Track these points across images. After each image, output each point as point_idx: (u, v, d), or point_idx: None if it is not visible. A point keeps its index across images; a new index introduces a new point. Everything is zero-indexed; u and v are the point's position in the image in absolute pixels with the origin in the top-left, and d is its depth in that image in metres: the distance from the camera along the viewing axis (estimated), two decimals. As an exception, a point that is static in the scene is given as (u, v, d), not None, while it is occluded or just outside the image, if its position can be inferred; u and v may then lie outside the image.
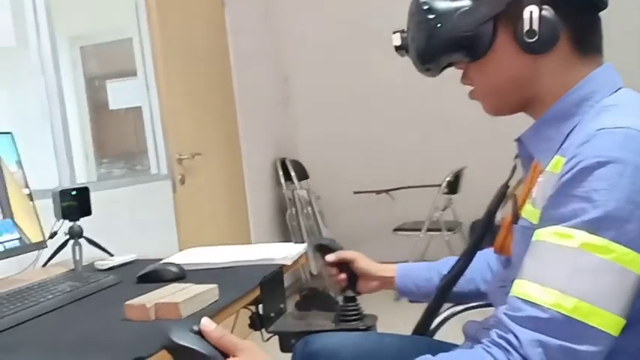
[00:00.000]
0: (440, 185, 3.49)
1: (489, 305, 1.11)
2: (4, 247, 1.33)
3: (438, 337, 1.17)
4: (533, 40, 0.76)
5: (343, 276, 1.21)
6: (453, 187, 3.52)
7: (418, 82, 3.80)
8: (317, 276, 3.75)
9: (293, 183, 3.77)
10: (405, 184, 3.75)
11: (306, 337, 1.12)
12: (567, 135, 0.77)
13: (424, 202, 3.59)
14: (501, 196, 0.99)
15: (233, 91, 3.26)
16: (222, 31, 3.20)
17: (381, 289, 1.23)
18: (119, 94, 3.05)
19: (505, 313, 0.70)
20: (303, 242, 3.52)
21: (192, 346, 0.66)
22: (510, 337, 0.67)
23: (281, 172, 3.76)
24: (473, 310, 1.18)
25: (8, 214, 1.37)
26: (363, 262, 1.21)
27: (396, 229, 3.68)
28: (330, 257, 1.20)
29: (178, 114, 2.65)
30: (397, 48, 0.88)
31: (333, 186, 4.12)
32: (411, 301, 1.22)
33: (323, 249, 1.23)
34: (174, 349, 0.66)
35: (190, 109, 2.78)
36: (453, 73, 0.91)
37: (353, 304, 1.19)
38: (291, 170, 3.77)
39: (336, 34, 4.14)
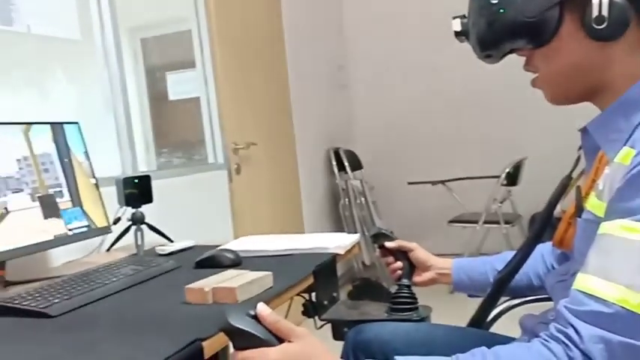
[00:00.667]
0: (499, 177, 3.39)
1: (546, 300, 1.08)
2: (73, 232, 1.41)
3: (492, 330, 1.15)
4: (602, 26, 0.73)
5: (399, 264, 1.22)
6: (513, 178, 3.40)
7: (477, 70, 3.72)
8: (369, 266, 3.75)
9: (346, 173, 3.77)
10: (461, 175, 3.67)
11: (359, 325, 1.12)
12: (637, 125, 0.73)
13: (482, 193, 3.50)
14: (563, 188, 0.96)
15: (288, 80, 3.29)
16: (279, 21, 3.22)
17: (435, 283, 1.22)
18: (178, 85, 3.13)
19: (566, 307, 0.68)
20: (356, 232, 3.53)
21: (249, 330, 0.67)
22: (570, 331, 0.65)
23: (334, 162, 3.76)
24: (529, 305, 1.15)
25: (77, 202, 1.45)
26: (420, 253, 1.21)
27: (451, 221, 3.61)
28: (391, 244, 1.21)
29: (235, 104, 2.70)
30: (457, 34, 0.86)
31: (387, 176, 4.09)
32: (469, 296, 1.20)
33: (381, 237, 1.24)
34: (232, 331, 0.68)
35: (246, 100, 2.83)
36: (514, 61, 0.88)
37: (407, 291, 1.18)
38: (345, 160, 3.76)
39: (394, 22, 4.09)
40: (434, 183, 3.70)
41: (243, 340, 0.68)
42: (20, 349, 0.86)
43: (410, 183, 3.80)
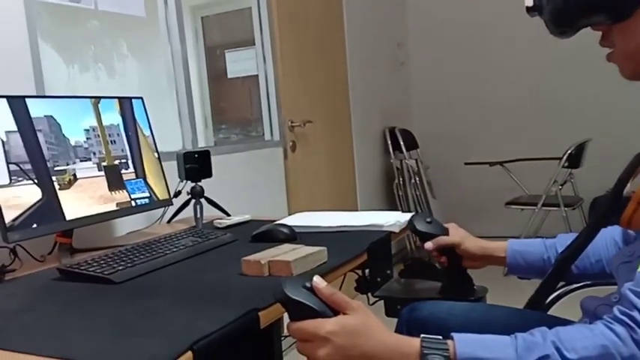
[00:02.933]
0: (560, 158, 3.27)
1: (608, 284, 1.04)
2: (136, 203, 1.47)
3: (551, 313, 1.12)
4: None
5: (444, 258, 1.16)
6: (575, 160, 3.27)
7: (539, 49, 3.57)
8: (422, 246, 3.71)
9: (402, 152, 3.73)
10: (520, 156, 3.56)
11: (414, 303, 1.12)
12: None
13: (541, 175, 3.39)
14: (633, 167, 0.91)
15: (346, 58, 3.27)
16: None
17: (487, 265, 1.19)
18: (237, 63, 3.18)
19: (631, 289, 0.66)
20: (409, 211, 3.49)
21: (305, 301, 0.69)
22: (635, 314, 0.63)
23: (389, 141, 3.73)
24: (588, 288, 1.11)
25: (141, 174, 1.51)
26: (469, 245, 1.14)
27: (508, 203, 3.51)
28: (429, 245, 1.14)
29: (292, 82, 2.71)
30: (529, 9, 0.82)
31: (443, 156, 4.02)
32: (520, 278, 1.17)
33: (419, 234, 1.15)
34: (288, 302, 0.69)
35: (303, 78, 2.83)
36: (578, 39, 0.83)
37: (461, 277, 1.16)
38: (400, 139, 3.72)
39: (455, 0, 3.97)
40: (492, 164, 3.60)
41: (299, 312, 0.69)
42: (86, 313, 0.91)
43: (467, 163, 3.72)
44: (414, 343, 0.69)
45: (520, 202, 3.50)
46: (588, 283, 1.09)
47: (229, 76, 3.18)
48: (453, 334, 0.69)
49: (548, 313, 1.11)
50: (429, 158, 3.98)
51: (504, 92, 3.91)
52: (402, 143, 3.70)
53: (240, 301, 0.90)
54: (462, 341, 0.68)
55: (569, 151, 3.25)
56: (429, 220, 1.16)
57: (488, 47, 3.92)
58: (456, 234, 1.16)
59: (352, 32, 3.30)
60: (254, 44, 2.67)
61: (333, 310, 0.70)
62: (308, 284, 0.71)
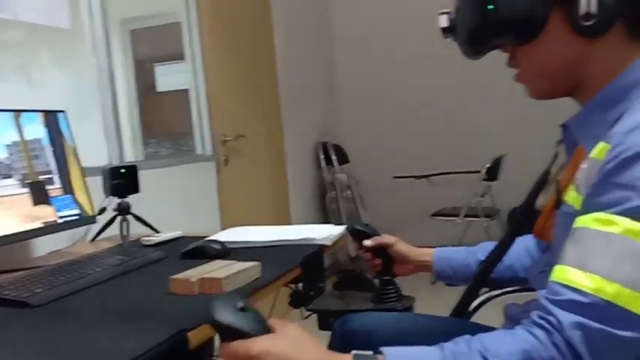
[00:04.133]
0: (479, 172, 3.45)
1: (528, 290, 1.10)
2: (64, 220, 1.40)
3: (474, 320, 1.17)
4: (590, 22, 0.74)
5: (378, 260, 1.21)
6: (493, 173, 3.47)
7: (460, 67, 3.74)
8: (355, 258, 3.76)
9: (333, 167, 3.78)
10: (444, 169, 3.72)
11: (345, 316, 1.13)
12: (614, 122, 0.75)
13: (463, 188, 3.55)
14: (543, 182, 0.98)
15: (277, 73, 3.28)
16: (269, 15, 3.21)
17: (416, 272, 1.24)
18: (167, 77, 3.12)
19: (545, 297, 0.69)
20: (342, 224, 3.54)
21: (235, 324, 0.66)
22: (551, 318, 0.67)
23: (322, 156, 3.77)
24: (509, 295, 1.17)
25: (69, 190, 1.44)
26: (401, 247, 1.21)
27: (434, 214, 3.65)
28: (368, 242, 1.20)
29: (224, 97, 2.69)
30: (444, 30, 0.86)
31: (373, 170, 4.11)
32: (447, 285, 1.22)
33: (358, 234, 1.23)
34: (218, 326, 0.67)
35: (235, 92, 2.82)
36: (495, 58, 0.89)
37: (391, 286, 1.20)
38: (332, 154, 3.78)
39: (383, 19, 4.09)
40: (418, 177, 3.74)
41: (230, 334, 0.67)
42: (0, 340, 0.85)
43: (395, 177, 3.84)
44: (345, 359, 0.70)
45: (444, 214, 3.65)
46: (510, 290, 1.15)
47: (159, 89, 3.12)
48: (383, 349, 0.70)
49: (473, 319, 1.16)
50: (360, 172, 4.06)
51: (429, 110, 4.07)
52: (333, 158, 3.76)
53: (169, 321, 0.86)
54: (391, 356, 0.69)
55: (487, 165, 3.43)
56: (366, 223, 1.25)
57: (414, 66, 4.06)
58: (390, 237, 1.21)
59: (283, 48, 3.32)
60: (184, 58, 2.63)
61: (268, 329, 0.70)
62: (240, 303, 0.68)
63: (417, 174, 3.75)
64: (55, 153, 1.42)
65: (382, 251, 1.21)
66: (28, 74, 1.67)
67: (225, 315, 0.66)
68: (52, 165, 1.41)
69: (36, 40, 1.73)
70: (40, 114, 1.41)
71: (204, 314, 0.68)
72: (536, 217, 0.91)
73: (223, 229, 1.73)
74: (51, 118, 1.44)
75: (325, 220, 3.77)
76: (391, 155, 4.14)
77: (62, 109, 1.51)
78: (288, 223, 3.27)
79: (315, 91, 3.94)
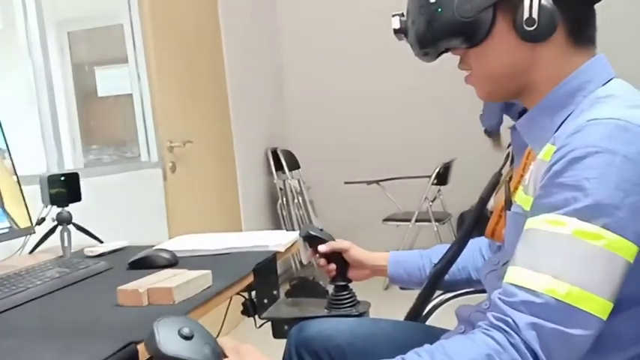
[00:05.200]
0: (430, 176, 3.50)
1: (479, 292, 1.12)
2: (-8, 232, 1.31)
3: (429, 323, 1.17)
4: (532, 28, 0.76)
5: (333, 266, 1.20)
6: (443, 178, 3.53)
7: (409, 72, 3.82)
8: (307, 265, 3.75)
9: (284, 173, 3.76)
10: (395, 174, 3.76)
11: (301, 322, 1.11)
12: (560, 124, 0.78)
13: (414, 193, 3.60)
14: (494, 184, 1.00)
15: (225, 78, 3.23)
16: (215, 19, 3.16)
17: (371, 276, 1.23)
18: (108, 81, 3.01)
19: (500, 298, 0.70)
20: (294, 231, 3.52)
21: (182, 356, 0.61)
22: (509, 319, 0.68)
23: (272, 162, 3.74)
24: (463, 297, 1.18)
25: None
26: (355, 252, 1.20)
27: (385, 220, 3.68)
28: (322, 248, 1.18)
29: (169, 101, 2.62)
30: (396, 31, 0.87)
31: (324, 176, 4.11)
32: (402, 289, 1.22)
33: (312, 239, 1.20)
34: (163, 359, 0.61)
35: (182, 97, 2.75)
36: (445, 64, 0.90)
37: (346, 292, 1.19)
38: (283, 160, 3.75)
39: (328, 24, 4.11)
40: (369, 182, 3.76)
41: None
42: None
43: (346, 182, 3.85)
44: None
45: (396, 219, 3.68)
46: (461, 292, 1.17)
47: (100, 94, 3.00)
48: None
49: (427, 322, 1.17)
50: (311, 178, 4.05)
51: (378, 115, 4.12)
52: (284, 164, 3.74)
53: (117, 334, 0.83)
54: None
55: (437, 170, 3.49)
56: (320, 228, 1.22)
57: (363, 71, 4.10)
58: (344, 243, 1.20)
59: (231, 53, 3.28)
60: (127, 62, 2.55)
61: (219, 355, 0.66)
62: (185, 329, 0.62)
63: (368, 179, 3.76)
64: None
65: (337, 256, 1.19)
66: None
67: (171, 344, 0.60)
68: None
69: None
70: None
71: (146, 342, 0.63)
72: (488, 219, 0.92)
73: (171, 237, 1.68)
74: None
75: (277, 227, 3.73)
76: (342, 161, 4.15)
77: (-5, 114, 1.42)
78: (239, 230, 3.22)
79: (265, 96, 3.91)
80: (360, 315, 1.16)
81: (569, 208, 0.68)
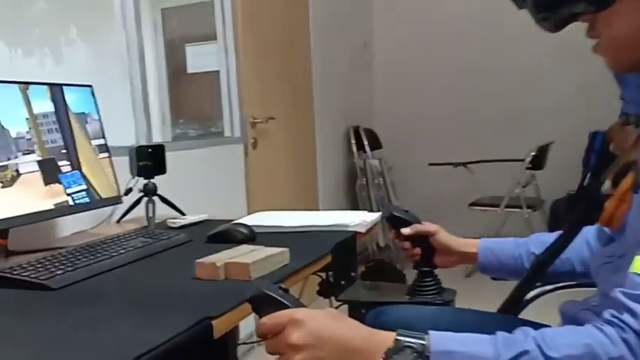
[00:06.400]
0: (523, 160, 3.28)
1: (584, 285, 1.01)
2: (75, 200, 1.34)
3: (522, 316, 1.07)
4: None
5: (417, 250, 1.12)
6: (539, 162, 3.28)
7: (505, 50, 3.60)
8: (384, 248, 3.68)
9: (365, 152, 3.68)
10: (484, 157, 3.57)
11: (380, 307, 1.06)
12: None
13: (503, 177, 3.40)
14: (606, 165, 0.87)
15: (310, 56, 3.20)
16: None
17: (459, 264, 1.14)
18: (198, 58, 3.07)
19: (622, 292, 0.62)
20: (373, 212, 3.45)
21: (281, 298, 0.67)
22: (626, 316, 0.60)
23: (353, 141, 3.67)
24: (563, 290, 1.07)
25: (76, 165, 1.38)
26: (443, 236, 1.11)
27: (471, 204, 3.51)
28: (406, 230, 1.11)
29: (254, 78, 2.63)
30: (516, 0, 0.78)
31: (407, 157, 3.98)
32: (493, 279, 1.12)
33: (396, 220, 1.12)
34: (263, 299, 0.67)
35: (266, 74, 2.75)
36: (546, 41, 0.79)
37: (430, 278, 1.11)
38: (364, 139, 3.67)
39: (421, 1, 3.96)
40: (455, 165, 3.59)
41: (273, 307, 0.67)
42: (17, 324, 0.81)
43: (430, 164, 3.70)
44: (389, 333, 0.66)
45: (483, 204, 3.50)
46: (563, 285, 1.06)
47: (189, 70, 3.07)
48: (429, 331, 0.66)
49: (520, 316, 1.07)
50: (393, 159, 3.94)
51: (469, 93, 3.92)
52: (365, 143, 3.66)
53: (192, 307, 0.82)
54: (437, 336, 0.65)
55: (532, 153, 3.27)
56: (405, 209, 1.14)
57: (455, 49, 3.91)
58: (431, 225, 1.12)
59: (317, 30, 3.23)
60: (216, 39, 2.57)
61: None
62: (281, 285, 0.70)
63: (454, 161, 3.59)
64: (62, 128, 1.35)
65: (422, 240, 1.11)
66: (54, 48, 1.63)
67: (272, 289, 0.68)
68: (62, 141, 1.35)
69: (63, 13, 1.68)
70: (47, 87, 1.34)
71: (229, 301, 0.69)
72: (603, 204, 0.81)
73: (250, 213, 1.67)
74: (57, 92, 1.36)
75: (354, 208, 3.68)
76: (427, 141, 4.00)
77: (89, 83, 1.46)
78: (316, 209, 3.20)
79: (349, 74, 3.83)
80: (444, 304, 1.08)
81: None
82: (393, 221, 1.13)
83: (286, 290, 0.69)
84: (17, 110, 1.23)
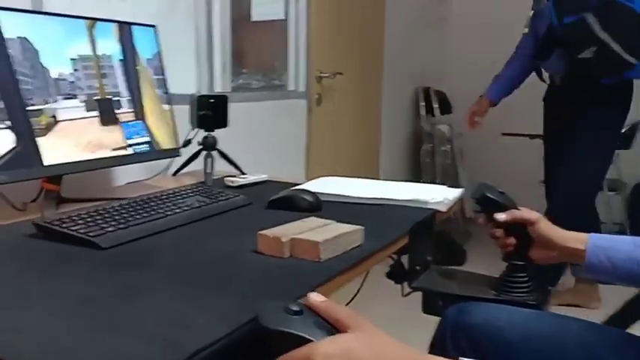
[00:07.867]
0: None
1: None
2: (134, 150, 1.26)
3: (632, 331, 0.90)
4: None
5: (511, 240, 0.96)
6: (627, 141, 2.99)
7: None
8: (445, 219, 3.51)
9: (434, 116, 3.46)
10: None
11: (462, 304, 0.91)
12: None
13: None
14: None
15: (385, 10, 2.99)
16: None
17: (559, 260, 0.96)
18: (263, 6, 2.91)
19: None
20: (434, 182, 3.26)
21: (290, 330, 0.51)
22: None
23: (422, 103, 3.45)
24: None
25: (140, 115, 1.29)
26: (544, 226, 0.94)
27: (544, 181, 3.26)
28: (501, 216, 0.95)
29: (323, 30, 2.48)
30: None
31: (478, 124, 3.74)
32: (601, 283, 0.95)
33: (489, 203, 0.96)
34: (269, 335, 0.52)
35: (336, 26, 2.59)
36: None
37: (524, 274, 0.95)
38: (434, 102, 3.45)
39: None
40: (532, 137, 3.31)
41: (286, 344, 0.51)
42: (53, 285, 0.72)
43: (504, 134, 3.44)
44: None
45: (557, 182, 3.24)
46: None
47: (254, 18, 2.92)
48: None
49: (630, 331, 0.90)
50: (464, 125, 3.70)
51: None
52: (435, 106, 3.43)
53: (250, 291, 0.70)
54: None
55: (622, 130, 2.96)
56: (500, 191, 0.97)
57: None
58: (532, 213, 0.95)
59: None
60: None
61: (334, 329, 0.53)
62: (294, 307, 0.53)
63: (531, 132, 3.32)
64: (127, 72, 1.25)
65: (519, 229, 0.95)
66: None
67: (278, 321, 0.52)
68: (124, 86, 1.24)
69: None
70: (114, 25, 1.23)
71: (296, 289, 0.60)
72: None
73: (308, 175, 1.54)
74: (126, 31, 1.26)
75: (417, 175, 3.49)
76: (502, 109, 3.71)
77: (152, 23, 1.35)
78: (376, 173, 3.05)
79: (422, 31, 3.57)
80: (537, 306, 0.93)
81: None
82: (486, 204, 0.96)
83: (299, 312, 0.53)
84: (63, 48, 1.12)
